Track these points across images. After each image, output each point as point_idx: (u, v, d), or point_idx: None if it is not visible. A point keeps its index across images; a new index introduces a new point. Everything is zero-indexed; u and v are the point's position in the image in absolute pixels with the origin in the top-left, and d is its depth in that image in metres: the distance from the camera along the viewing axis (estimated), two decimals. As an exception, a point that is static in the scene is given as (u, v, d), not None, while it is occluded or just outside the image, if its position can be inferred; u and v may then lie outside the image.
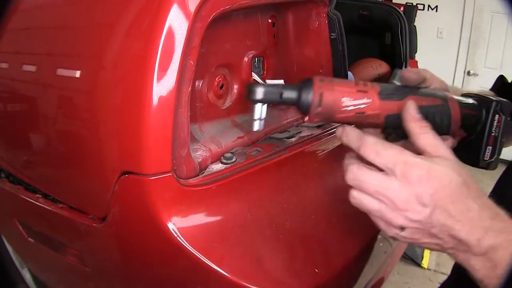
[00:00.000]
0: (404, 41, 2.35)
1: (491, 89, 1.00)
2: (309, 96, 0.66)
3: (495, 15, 4.04)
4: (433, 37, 4.36)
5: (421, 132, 0.63)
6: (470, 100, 0.73)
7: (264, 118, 0.71)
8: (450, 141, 0.70)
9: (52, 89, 0.91)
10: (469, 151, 0.73)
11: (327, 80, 0.68)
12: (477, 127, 0.71)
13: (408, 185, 0.58)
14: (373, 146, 0.61)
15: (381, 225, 0.62)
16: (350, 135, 0.64)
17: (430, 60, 3.81)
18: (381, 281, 1.54)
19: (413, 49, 2.56)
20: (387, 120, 0.69)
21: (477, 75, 4.27)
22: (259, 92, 0.68)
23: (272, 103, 0.70)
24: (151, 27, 0.67)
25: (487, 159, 0.72)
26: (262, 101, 0.69)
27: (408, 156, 0.60)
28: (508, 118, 0.70)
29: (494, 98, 0.70)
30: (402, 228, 0.60)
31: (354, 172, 0.62)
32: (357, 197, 0.63)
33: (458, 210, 0.59)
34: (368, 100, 0.67)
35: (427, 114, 0.68)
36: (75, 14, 0.90)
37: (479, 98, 0.73)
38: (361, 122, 0.70)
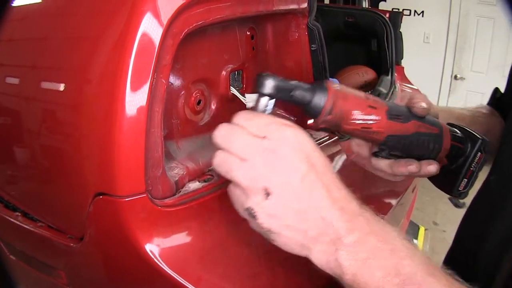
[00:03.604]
0: (390, 47, 2.36)
1: (488, 103, 1.00)
2: (322, 102, 0.63)
3: (481, 20, 4.08)
4: (419, 42, 4.40)
5: None
6: (459, 133, 0.75)
7: (268, 113, 0.65)
8: (435, 166, 0.71)
9: (29, 104, 0.90)
10: (446, 179, 0.76)
11: (341, 88, 0.66)
12: (459, 159, 0.74)
13: (283, 143, 0.53)
14: (245, 114, 0.57)
15: (239, 194, 0.54)
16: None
17: (417, 65, 3.85)
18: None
19: (399, 55, 2.57)
20: (388, 139, 0.68)
21: (464, 79, 4.31)
22: (269, 86, 0.63)
23: (280, 100, 0.65)
24: (120, 47, 0.66)
25: (460, 189, 0.75)
26: (270, 95, 0.64)
27: (282, 119, 0.56)
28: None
29: (479, 136, 0.73)
30: (268, 194, 0.52)
31: (225, 128, 0.55)
32: (221, 157, 0.55)
33: (331, 182, 0.54)
34: (377, 118, 0.66)
35: (423, 140, 0.70)
36: (50, 28, 0.89)
37: (467, 132, 0.75)
38: (363, 136, 0.70)
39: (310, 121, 0.66)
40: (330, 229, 0.52)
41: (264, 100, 0.64)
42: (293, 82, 0.64)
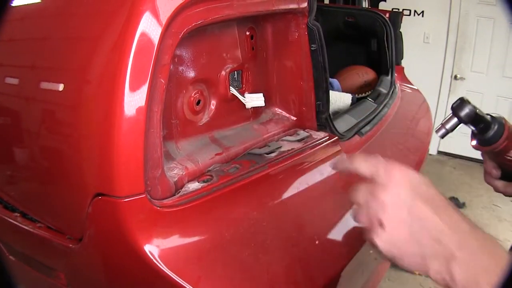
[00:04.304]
0: (390, 47, 2.35)
1: None
2: (497, 138, 0.76)
3: (481, 20, 4.07)
4: (419, 42, 4.39)
5: None
6: None
7: (449, 132, 0.79)
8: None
9: (28, 104, 0.89)
10: None
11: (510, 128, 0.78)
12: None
13: (389, 182, 0.63)
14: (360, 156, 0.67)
15: (366, 231, 0.65)
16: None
17: (417, 65, 3.84)
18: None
19: (399, 55, 2.56)
20: None
21: (464, 79, 4.30)
22: (465, 113, 0.75)
23: (465, 124, 0.77)
24: (118, 47, 0.66)
25: None
26: (461, 119, 0.76)
27: (390, 162, 0.65)
28: None
29: None
30: (382, 226, 0.62)
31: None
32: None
33: (440, 208, 0.62)
34: None
35: None
36: (49, 28, 0.88)
37: None
38: (501, 164, 0.84)
39: (473, 143, 0.80)
40: (442, 247, 0.60)
41: (453, 120, 0.77)
42: (483, 115, 0.77)
